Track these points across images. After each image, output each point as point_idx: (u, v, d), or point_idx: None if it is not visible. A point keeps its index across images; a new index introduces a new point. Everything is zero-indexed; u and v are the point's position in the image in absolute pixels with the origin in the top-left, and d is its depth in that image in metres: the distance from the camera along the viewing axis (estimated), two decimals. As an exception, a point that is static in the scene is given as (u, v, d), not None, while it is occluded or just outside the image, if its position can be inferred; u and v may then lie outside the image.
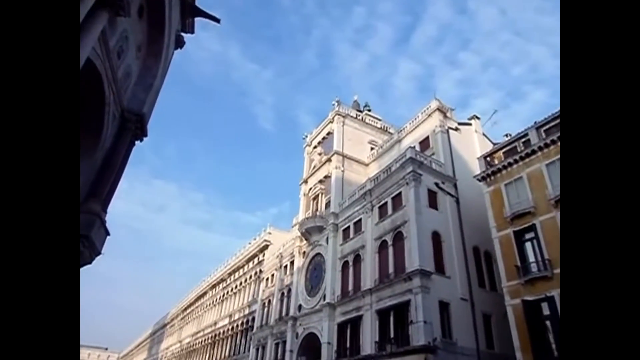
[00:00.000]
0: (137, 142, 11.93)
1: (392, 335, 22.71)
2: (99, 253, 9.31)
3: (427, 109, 31.78)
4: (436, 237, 24.60)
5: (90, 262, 9.12)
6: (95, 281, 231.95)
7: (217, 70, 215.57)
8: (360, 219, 29.73)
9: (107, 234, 9.78)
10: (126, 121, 10.87)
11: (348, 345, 26.26)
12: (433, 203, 25.79)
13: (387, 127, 41.24)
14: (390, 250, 25.37)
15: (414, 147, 28.36)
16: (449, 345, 21.34)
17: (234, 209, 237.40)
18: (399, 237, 25.11)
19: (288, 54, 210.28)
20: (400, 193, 26.28)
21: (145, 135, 11.80)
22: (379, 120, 42.20)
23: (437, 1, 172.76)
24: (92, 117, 9.60)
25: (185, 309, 72.12)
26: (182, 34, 14.35)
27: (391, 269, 24.66)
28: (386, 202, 27.37)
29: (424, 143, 30.64)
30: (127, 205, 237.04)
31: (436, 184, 26.36)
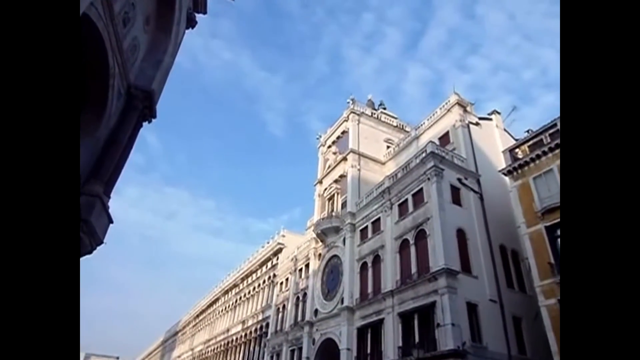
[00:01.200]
0: (146, 127, 10.96)
1: (416, 339, 21.35)
2: (101, 242, 8.26)
3: (446, 103, 30.54)
4: (461, 235, 23.26)
5: (90, 252, 8.06)
6: (106, 288, 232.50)
7: (228, 78, 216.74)
8: (378, 218, 28.47)
9: (110, 221, 8.74)
10: (133, 98, 9.87)
11: (369, 351, 24.93)
12: (456, 199, 24.48)
13: (403, 126, 40.02)
14: (412, 249, 24.07)
15: (434, 142, 27.06)
16: (479, 350, 19.94)
17: (246, 215, 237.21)
18: (421, 235, 23.82)
19: (298, 61, 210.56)
20: (421, 189, 25.02)
21: (154, 117, 10.81)
22: (395, 118, 41.00)
23: (445, 6, 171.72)
24: (95, 89, 8.61)
25: (197, 316, 71.07)
26: (195, 13, 13.42)
27: (414, 269, 23.35)
28: (406, 200, 26.11)
29: (444, 139, 29.36)
30: (139, 213, 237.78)
31: (459, 180, 25.09)
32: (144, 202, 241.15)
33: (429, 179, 24.40)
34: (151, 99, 10.32)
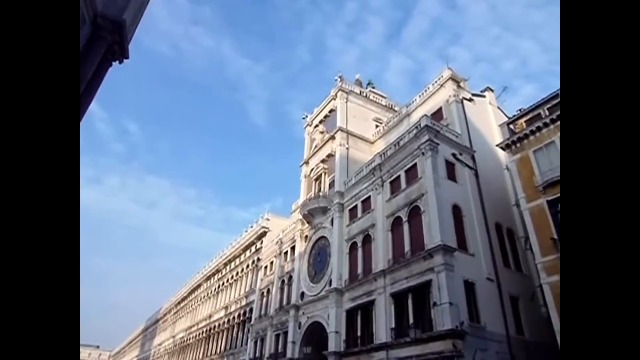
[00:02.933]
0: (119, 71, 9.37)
1: (411, 320, 20.31)
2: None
3: (439, 78, 29.34)
4: (457, 211, 22.22)
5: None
6: (87, 279, 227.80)
7: (209, 66, 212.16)
8: (369, 197, 27.27)
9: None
10: (99, 29, 8.28)
11: (359, 333, 23.83)
12: (451, 175, 23.40)
13: (392, 105, 38.73)
14: (406, 227, 22.95)
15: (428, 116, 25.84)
16: (477, 330, 19.00)
17: (228, 204, 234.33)
18: (415, 212, 22.70)
19: (281, 49, 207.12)
20: (415, 165, 23.85)
21: (126, 56, 9.21)
22: (384, 97, 39.71)
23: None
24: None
25: (179, 303, 69.36)
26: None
27: (407, 248, 22.25)
28: (399, 176, 24.93)
29: (437, 115, 28.16)
30: (120, 202, 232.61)
31: (454, 155, 24.01)
32: (125, 191, 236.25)
33: (423, 153, 23.23)
34: (121, 32, 8.73)
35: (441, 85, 28.80)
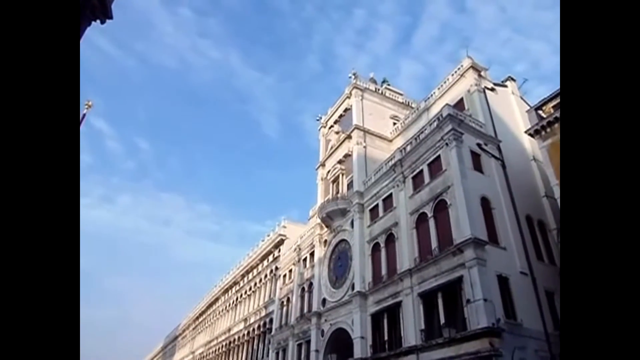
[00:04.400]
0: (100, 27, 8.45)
1: (442, 320, 18.88)
2: None
3: (459, 68, 28.15)
4: (485, 204, 20.85)
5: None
6: (104, 299, 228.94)
7: (218, 78, 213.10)
8: (390, 194, 26.03)
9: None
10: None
11: (386, 337, 22.44)
12: (477, 166, 22.08)
13: (409, 102, 37.55)
14: (432, 222, 21.63)
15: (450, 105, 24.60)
16: (514, 327, 17.50)
17: (242, 219, 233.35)
18: (441, 207, 21.39)
19: (290, 59, 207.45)
20: (438, 157, 22.61)
21: (109, 17, 8.39)
22: (400, 94, 38.58)
23: (436, 1, 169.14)
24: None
25: (197, 318, 68.34)
26: None
27: (434, 244, 20.91)
28: (421, 171, 23.69)
29: (458, 106, 26.84)
30: (133, 221, 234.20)
31: (479, 145, 22.61)
32: (137, 209, 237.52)
33: (447, 144, 21.99)
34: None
35: (461, 75, 27.59)
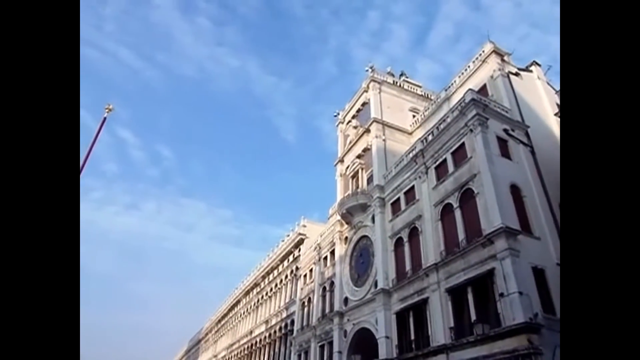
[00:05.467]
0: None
1: (473, 317, 17.65)
2: None
3: (481, 54, 26.86)
4: (515, 191, 19.52)
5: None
6: (129, 305, 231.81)
7: (236, 85, 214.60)
8: (412, 187, 24.89)
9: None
10: None
11: (412, 337, 21.28)
12: (505, 152, 20.77)
13: (428, 94, 36.31)
14: (458, 213, 20.43)
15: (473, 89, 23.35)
16: (553, 323, 16.08)
17: (263, 223, 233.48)
18: (467, 196, 20.18)
19: (306, 64, 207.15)
20: (462, 144, 21.40)
21: None
22: (419, 86, 37.36)
23: (450, 0, 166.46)
24: None
25: (219, 321, 67.98)
26: None
27: (462, 236, 19.70)
28: (445, 160, 22.50)
29: (481, 93, 25.49)
30: (158, 227, 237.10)
31: (505, 131, 21.40)
32: (162, 215, 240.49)
33: (471, 130, 20.78)
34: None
35: (483, 61, 26.29)
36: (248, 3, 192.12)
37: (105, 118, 17.18)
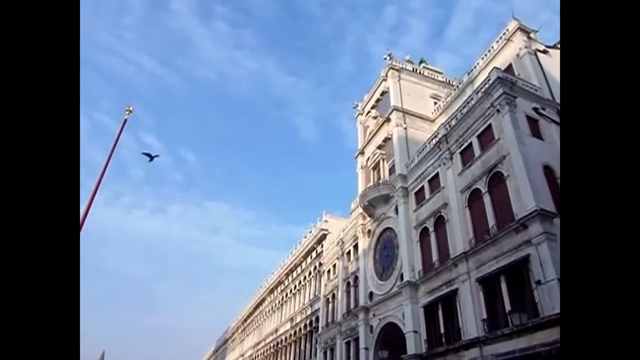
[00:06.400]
0: None
1: (508, 307, 16.50)
2: None
3: (505, 32, 25.48)
4: (549, 173, 18.20)
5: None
6: (158, 306, 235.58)
7: (255, 87, 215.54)
8: (436, 174, 23.78)
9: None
10: None
11: (442, 330, 20.24)
12: (536, 132, 19.48)
13: (450, 80, 34.96)
14: (487, 198, 19.26)
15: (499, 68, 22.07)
16: (597, 312, 14.88)
17: (287, 223, 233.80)
18: (497, 180, 18.99)
19: (324, 63, 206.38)
20: (489, 126, 20.21)
21: None
22: (440, 73, 36.03)
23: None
24: None
25: (245, 320, 67.86)
26: None
27: (492, 222, 18.54)
28: (470, 144, 21.33)
29: (507, 73, 24.25)
30: (183, 230, 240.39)
31: (535, 110, 20.11)
32: (187, 218, 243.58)
33: (498, 111, 19.57)
34: None
35: (508, 40, 24.91)
36: (264, 5, 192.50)
37: (126, 120, 17.59)
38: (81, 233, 13.32)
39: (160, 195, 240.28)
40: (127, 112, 17.72)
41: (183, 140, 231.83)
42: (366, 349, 26.50)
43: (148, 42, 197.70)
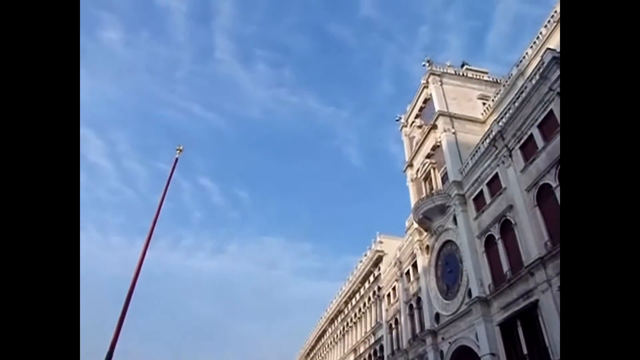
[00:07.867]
0: None
1: (602, 316, 13.91)
2: None
3: (553, 15, 23.33)
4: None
5: None
6: (230, 345, 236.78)
7: (299, 120, 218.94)
8: (495, 175, 21.58)
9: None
10: None
11: (525, 350, 17.63)
12: (608, 113, 17.07)
13: (497, 80, 32.69)
14: (559, 192, 16.89)
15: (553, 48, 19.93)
16: None
17: (343, 253, 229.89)
18: (568, 171, 16.63)
19: (365, 88, 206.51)
20: (550, 113, 17.98)
21: None
22: (486, 72, 33.92)
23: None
24: None
25: (308, 354, 65.63)
26: None
27: (569, 219, 16.09)
28: (531, 135, 19.13)
29: (561, 57, 22.05)
30: (243, 266, 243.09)
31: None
32: (245, 255, 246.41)
33: (558, 94, 17.38)
34: None
35: (557, 22, 22.72)
36: (300, 43, 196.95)
37: (177, 159, 18.19)
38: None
39: (218, 235, 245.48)
40: (178, 152, 18.33)
41: (235, 178, 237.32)
42: (439, 377, 23.94)
43: (197, 92, 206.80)
